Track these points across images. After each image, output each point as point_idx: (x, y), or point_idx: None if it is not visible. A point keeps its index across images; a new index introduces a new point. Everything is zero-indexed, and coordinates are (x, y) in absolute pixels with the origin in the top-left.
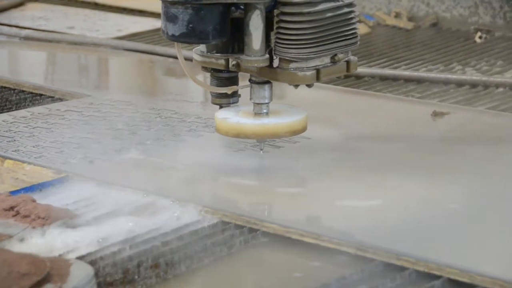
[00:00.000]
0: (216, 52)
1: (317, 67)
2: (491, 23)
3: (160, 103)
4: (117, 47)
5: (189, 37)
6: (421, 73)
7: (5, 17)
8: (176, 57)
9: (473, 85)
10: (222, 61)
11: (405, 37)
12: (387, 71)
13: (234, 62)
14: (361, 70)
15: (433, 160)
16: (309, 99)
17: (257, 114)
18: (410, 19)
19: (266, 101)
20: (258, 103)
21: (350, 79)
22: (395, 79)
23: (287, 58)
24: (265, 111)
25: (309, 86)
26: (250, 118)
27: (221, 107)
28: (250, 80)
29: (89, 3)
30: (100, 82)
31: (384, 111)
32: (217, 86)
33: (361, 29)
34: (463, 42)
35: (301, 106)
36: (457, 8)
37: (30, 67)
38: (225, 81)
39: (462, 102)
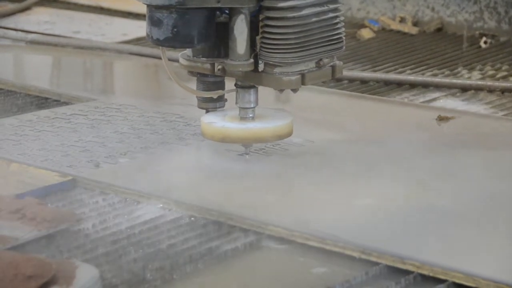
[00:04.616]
0: (202, 57)
1: (302, 71)
2: (496, 28)
3: (165, 107)
4: (122, 51)
5: (173, 41)
6: (426, 78)
7: (11, 21)
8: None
9: (478, 89)
10: (208, 66)
11: (410, 42)
12: (392, 76)
13: (219, 67)
14: (366, 74)
15: (438, 164)
16: (314, 103)
17: (243, 118)
18: (415, 24)
19: (252, 105)
20: (243, 108)
21: (355, 83)
22: (400, 83)
23: (271, 62)
24: (250, 115)
25: (294, 91)
26: (236, 123)
27: (207, 111)
28: (235, 85)
29: (95, 7)
30: (105, 86)
31: (389, 115)
32: (203, 90)
33: (366, 34)
34: (468, 47)
35: (307, 110)
36: (462, 13)
37: (36, 71)
38: (211, 85)
39: (467, 106)
